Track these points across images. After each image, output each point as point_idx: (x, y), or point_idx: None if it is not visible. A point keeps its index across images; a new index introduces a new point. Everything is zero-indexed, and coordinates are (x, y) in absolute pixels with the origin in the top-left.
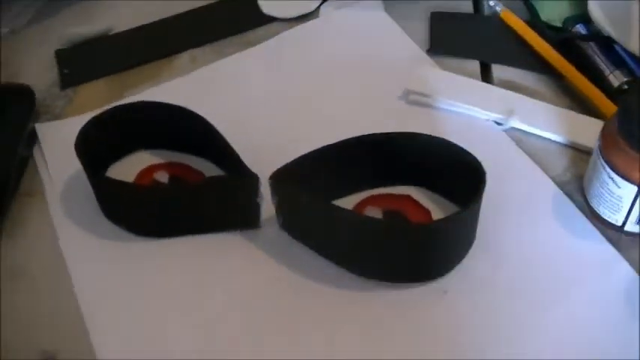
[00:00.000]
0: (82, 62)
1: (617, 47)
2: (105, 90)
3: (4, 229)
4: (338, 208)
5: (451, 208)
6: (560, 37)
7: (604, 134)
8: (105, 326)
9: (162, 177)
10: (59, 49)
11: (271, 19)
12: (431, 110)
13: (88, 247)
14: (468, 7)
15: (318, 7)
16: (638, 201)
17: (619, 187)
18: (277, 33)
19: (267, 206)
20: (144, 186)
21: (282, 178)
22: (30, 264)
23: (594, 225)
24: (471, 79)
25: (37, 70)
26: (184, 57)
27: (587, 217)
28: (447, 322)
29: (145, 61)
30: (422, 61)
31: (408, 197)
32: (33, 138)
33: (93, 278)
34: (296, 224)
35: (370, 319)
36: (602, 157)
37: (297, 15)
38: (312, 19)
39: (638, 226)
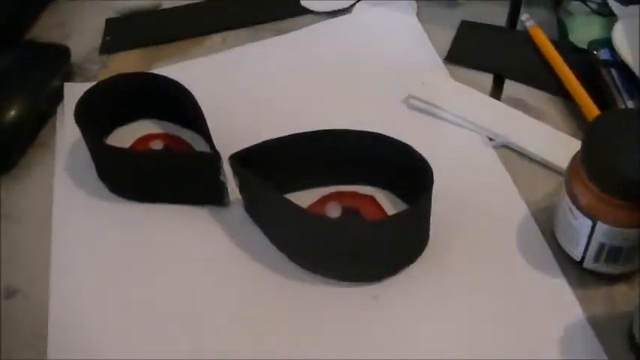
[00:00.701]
0: (125, 32)
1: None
2: (137, 60)
3: (13, 172)
4: (283, 199)
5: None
6: (581, 60)
7: (572, 164)
8: (67, 271)
9: (157, 146)
10: (110, 18)
11: (307, 11)
12: (428, 117)
13: (76, 199)
14: (502, 21)
15: (354, 4)
16: (593, 237)
17: (575, 219)
18: (310, 24)
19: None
20: (114, 148)
21: (243, 160)
22: (21, 205)
23: (556, 258)
24: (477, 92)
25: (87, 34)
26: (216, 38)
27: (550, 248)
28: (371, 327)
29: (179, 38)
30: (435, 68)
31: (371, 198)
32: (59, 96)
33: (71, 227)
34: (253, 208)
35: (303, 313)
36: (566, 186)
37: (331, 10)
38: (344, 14)
39: (595, 264)
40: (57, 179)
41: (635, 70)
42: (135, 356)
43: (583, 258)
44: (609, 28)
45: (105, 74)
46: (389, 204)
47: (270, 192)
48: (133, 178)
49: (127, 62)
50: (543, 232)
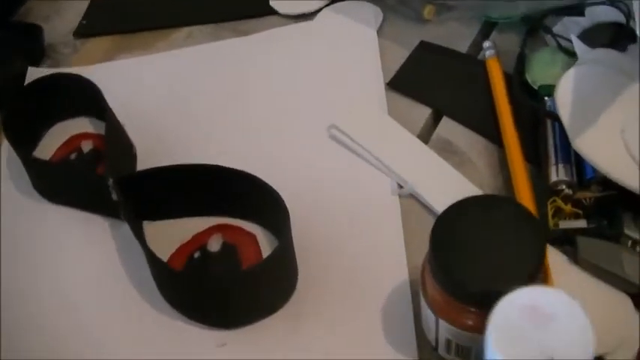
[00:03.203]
0: (102, 16)
1: None
2: (106, 48)
3: None
4: (142, 238)
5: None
6: (529, 105)
7: (423, 268)
8: None
9: (87, 146)
10: None
11: (273, 12)
12: (345, 151)
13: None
14: (466, 45)
15: (320, 9)
16: (439, 331)
17: (425, 307)
18: (273, 27)
19: None
20: (34, 161)
21: (131, 186)
22: None
23: (417, 335)
24: (404, 131)
25: (70, 15)
26: (182, 32)
27: (415, 322)
28: None
29: (149, 28)
30: (373, 93)
31: (253, 237)
32: (23, 79)
33: None
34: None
35: (150, 343)
36: (421, 282)
37: (297, 13)
38: (309, 19)
39: (448, 355)
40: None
41: (570, 128)
42: None
43: (436, 346)
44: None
45: (74, 60)
46: (267, 244)
47: (133, 227)
48: (48, 183)
49: (95, 50)
50: (415, 305)
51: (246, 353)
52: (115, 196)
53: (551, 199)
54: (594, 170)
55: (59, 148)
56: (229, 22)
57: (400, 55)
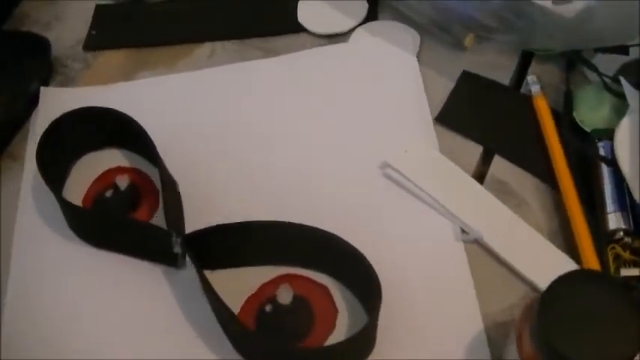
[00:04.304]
0: (113, 25)
1: None
2: (122, 63)
3: None
4: (221, 303)
5: (359, 311)
6: (580, 146)
7: (523, 321)
8: (16, 308)
9: (123, 181)
10: (100, 5)
11: (302, 29)
12: (403, 192)
13: (36, 228)
14: (507, 76)
15: (354, 28)
16: None
17: None
18: (302, 46)
19: None
20: (72, 205)
21: (196, 242)
22: None
23: None
24: (460, 171)
25: (75, 20)
26: (205, 48)
27: None
28: None
29: (167, 42)
30: (422, 128)
31: (324, 289)
32: (36, 99)
33: (28, 257)
34: (202, 286)
35: None
36: (517, 343)
37: (328, 33)
38: (341, 40)
39: None
40: (22, 201)
41: (632, 184)
42: None
43: None
44: (619, 112)
45: (87, 76)
46: (340, 297)
47: (206, 286)
48: (89, 228)
49: (111, 65)
50: (492, 352)
51: None
52: (177, 249)
53: (610, 247)
54: None
55: (93, 184)
56: (254, 38)
57: (440, 85)
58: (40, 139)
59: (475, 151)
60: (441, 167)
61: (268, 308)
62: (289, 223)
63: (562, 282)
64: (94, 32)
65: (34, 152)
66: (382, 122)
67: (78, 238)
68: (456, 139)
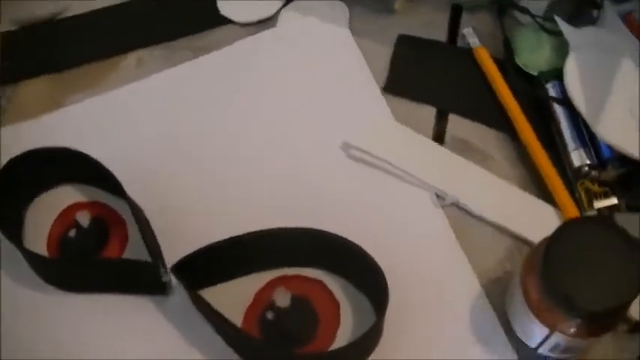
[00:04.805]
0: (26, 52)
1: None
2: (46, 91)
3: None
4: (225, 321)
5: (360, 300)
6: (529, 89)
7: (527, 269)
8: None
9: (84, 218)
10: (6, 32)
11: (227, 21)
12: (371, 169)
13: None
14: (442, 32)
15: (278, 11)
16: (549, 340)
17: (532, 322)
18: (232, 37)
19: None
20: (53, 259)
21: (185, 267)
22: None
23: (509, 338)
24: (420, 137)
25: None
26: (131, 59)
27: (502, 327)
28: None
29: (90, 59)
30: (374, 102)
31: (320, 283)
32: None
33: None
34: (198, 309)
35: None
36: (523, 293)
37: (255, 20)
38: (269, 25)
39: (550, 353)
40: None
41: (589, 118)
42: None
43: (537, 347)
44: (560, 51)
45: (12, 112)
46: (338, 288)
47: (204, 307)
48: (63, 276)
49: (35, 95)
50: (495, 308)
51: None
52: (165, 278)
53: (579, 183)
54: (611, 150)
55: (53, 227)
56: (180, 39)
57: (379, 53)
58: None
59: (429, 113)
60: (401, 137)
61: (270, 315)
62: (279, 228)
63: (566, 228)
64: (6, 63)
65: None
66: (331, 103)
67: (49, 286)
68: (408, 105)
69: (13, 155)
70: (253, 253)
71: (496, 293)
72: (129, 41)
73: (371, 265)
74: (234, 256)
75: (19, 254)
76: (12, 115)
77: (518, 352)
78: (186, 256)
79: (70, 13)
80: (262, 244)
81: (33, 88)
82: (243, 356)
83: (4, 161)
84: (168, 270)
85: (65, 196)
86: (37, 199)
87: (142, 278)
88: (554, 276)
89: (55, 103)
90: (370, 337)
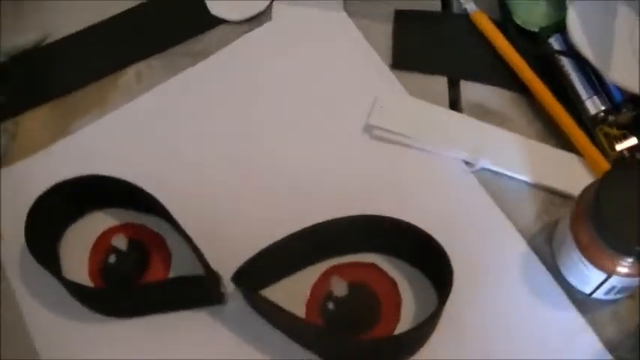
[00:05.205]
0: (20, 83)
1: None
2: (49, 120)
3: None
4: (296, 318)
5: (416, 276)
6: (532, 47)
7: (576, 217)
8: None
9: (121, 242)
10: None
11: (220, 21)
12: (396, 147)
13: (53, 323)
14: (437, 2)
15: (270, 3)
16: (605, 284)
17: (587, 269)
18: (227, 37)
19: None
20: (100, 289)
21: (244, 275)
22: None
23: (562, 288)
24: (438, 108)
25: None
26: (129, 74)
27: (555, 279)
28: None
29: (88, 81)
30: (385, 80)
31: (374, 266)
32: None
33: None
34: (261, 312)
35: None
36: (575, 242)
37: (247, 17)
38: (263, 20)
39: (605, 296)
40: (22, 301)
41: (599, 66)
42: None
43: (592, 293)
44: (556, 3)
45: (19, 147)
46: (391, 268)
47: (270, 307)
48: (113, 304)
49: (39, 126)
50: (543, 260)
51: None
52: (223, 289)
53: (598, 129)
54: (622, 93)
55: (91, 257)
56: (176, 46)
57: (379, 31)
58: (26, 229)
59: (441, 83)
60: (420, 110)
61: (330, 305)
62: (328, 221)
63: (613, 172)
64: (2, 96)
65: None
66: (344, 88)
67: (100, 320)
68: (418, 79)
69: (29, 191)
70: (305, 248)
71: (540, 247)
72: (124, 56)
73: (430, 245)
74: (286, 255)
75: (50, 289)
76: (18, 149)
77: (573, 300)
78: (244, 263)
79: (53, 38)
80: (314, 239)
81: (34, 119)
82: (314, 351)
83: (26, 197)
84: (230, 280)
85: (95, 223)
86: (67, 231)
87: (199, 292)
88: (608, 219)
89: (60, 130)
90: (437, 315)
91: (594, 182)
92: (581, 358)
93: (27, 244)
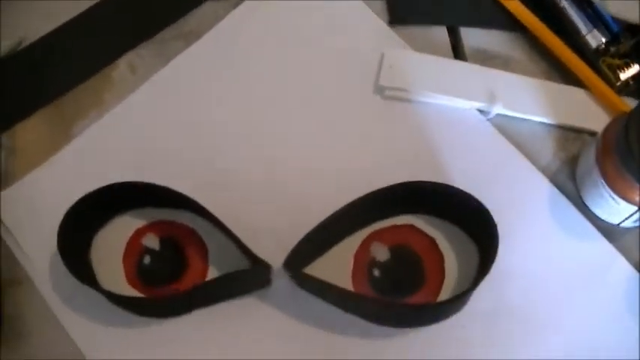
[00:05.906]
0: (6, 93)
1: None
2: (46, 129)
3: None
4: (349, 292)
5: (455, 232)
6: None
7: (603, 152)
8: None
9: (152, 241)
10: None
11: None
12: (409, 105)
13: (99, 334)
14: None
15: None
16: (636, 214)
17: (618, 204)
18: (217, 14)
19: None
20: (147, 299)
21: (294, 261)
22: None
23: (590, 221)
24: (445, 60)
25: None
26: (121, 67)
27: (581, 212)
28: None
29: (78, 80)
30: (387, 39)
31: (411, 227)
32: None
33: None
34: (310, 290)
35: None
36: (602, 177)
37: None
38: None
39: (633, 224)
40: (62, 316)
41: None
42: None
43: (621, 223)
44: None
45: (20, 161)
46: (428, 226)
47: (318, 285)
48: (161, 309)
49: (37, 136)
50: (568, 197)
51: (475, 328)
52: (271, 276)
53: (601, 60)
54: (619, 23)
55: (125, 262)
56: (163, 30)
57: None
58: (59, 245)
59: (441, 34)
60: (426, 64)
61: (376, 272)
62: (368, 194)
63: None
64: None
65: (32, 261)
66: (346, 53)
67: (147, 323)
68: (418, 32)
69: (42, 205)
70: (345, 224)
71: (562, 184)
72: (112, 48)
73: (470, 204)
74: (327, 234)
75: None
76: (19, 163)
77: (600, 229)
78: (293, 249)
79: (29, 41)
80: (353, 212)
81: (30, 129)
82: (370, 319)
83: (41, 211)
84: (282, 267)
85: (123, 226)
86: (96, 239)
87: (246, 284)
88: (636, 152)
89: (60, 136)
90: (487, 270)
91: (619, 116)
92: (616, 284)
93: (64, 264)
